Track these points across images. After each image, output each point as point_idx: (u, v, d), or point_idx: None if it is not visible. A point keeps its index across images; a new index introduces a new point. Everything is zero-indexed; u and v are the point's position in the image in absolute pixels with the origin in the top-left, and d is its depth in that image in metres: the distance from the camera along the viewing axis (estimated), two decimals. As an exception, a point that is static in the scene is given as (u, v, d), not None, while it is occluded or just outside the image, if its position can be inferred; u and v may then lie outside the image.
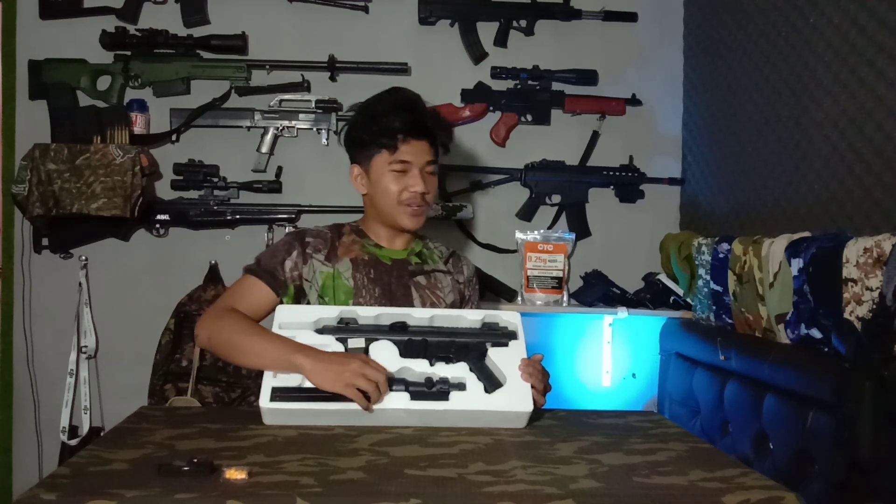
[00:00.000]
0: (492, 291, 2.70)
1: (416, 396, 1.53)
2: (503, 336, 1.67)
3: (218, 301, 1.81)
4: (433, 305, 1.85)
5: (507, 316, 1.71)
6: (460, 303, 1.94)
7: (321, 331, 1.63)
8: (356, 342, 1.60)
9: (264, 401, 1.52)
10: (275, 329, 1.64)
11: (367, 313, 1.67)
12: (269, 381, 1.54)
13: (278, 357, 1.56)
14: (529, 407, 1.55)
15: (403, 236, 1.90)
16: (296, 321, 1.65)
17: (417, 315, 1.67)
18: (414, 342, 1.62)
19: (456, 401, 1.54)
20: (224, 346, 1.69)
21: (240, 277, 1.84)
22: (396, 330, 1.64)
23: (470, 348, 1.63)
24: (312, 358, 1.54)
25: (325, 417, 1.51)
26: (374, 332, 1.63)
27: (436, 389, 1.54)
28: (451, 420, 1.54)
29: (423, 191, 1.82)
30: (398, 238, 1.90)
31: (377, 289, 1.83)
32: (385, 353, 1.59)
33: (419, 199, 1.83)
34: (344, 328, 1.64)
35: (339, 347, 1.60)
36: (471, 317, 1.70)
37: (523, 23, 2.80)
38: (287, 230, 2.69)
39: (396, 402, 1.52)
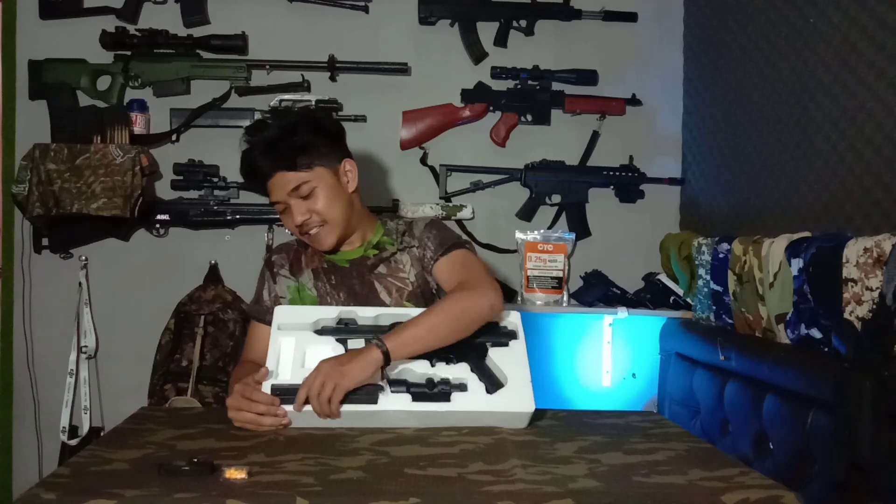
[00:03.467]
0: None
1: (417, 398, 1.53)
2: (503, 336, 1.66)
3: None
4: (399, 291, 1.82)
5: (507, 316, 1.71)
6: (423, 267, 1.84)
7: (321, 332, 1.63)
8: (356, 343, 1.60)
9: None
10: (273, 330, 1.64)
11: (366, 314, 1.67)
12: (269, 382, 1.54)
13: None
14: (531, 407, 1.54)
15: (354, 236, 1.87)
16: (294, 322, 1.65)
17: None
18: None
19: (457, 402, 1.53)
20: None
21: None
22: None
23: (471, 348, 1.62)
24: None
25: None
26: (373, 332, 1.62)
27: (437, 390, 1.54)
28: (452, 421, 1.53)
29: (301, 221, 1.77)
30: (351, 239, 1.87)
31: (341, 293, 1.84)
32: (385, 354, 1.58)
33: (309, 227, 1.78)
34: (343, 329, 1.63)
35: (339, 348, 1.60)
36: None
37: (523, 23, 2.80)
38: (286, 230, 2.70)
39: (398, 403, 1.52)
